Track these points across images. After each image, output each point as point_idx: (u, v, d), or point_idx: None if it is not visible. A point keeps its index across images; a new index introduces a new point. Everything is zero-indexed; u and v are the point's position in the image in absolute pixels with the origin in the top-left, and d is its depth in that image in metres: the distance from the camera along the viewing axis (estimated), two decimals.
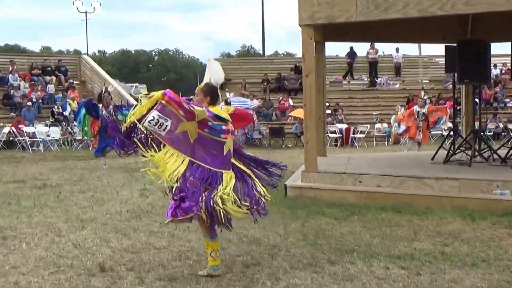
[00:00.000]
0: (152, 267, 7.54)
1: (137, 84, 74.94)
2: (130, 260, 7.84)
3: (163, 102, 6.57)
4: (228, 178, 6.86)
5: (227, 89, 32.21)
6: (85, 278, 7.14)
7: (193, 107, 6.61)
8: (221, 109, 7.16)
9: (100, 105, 18.37)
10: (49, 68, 34.94)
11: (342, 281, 6.92)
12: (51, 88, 32.64)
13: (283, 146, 27.98)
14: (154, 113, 6.54)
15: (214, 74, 7.47)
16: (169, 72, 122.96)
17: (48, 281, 7.01)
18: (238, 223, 9.86)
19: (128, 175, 16.50)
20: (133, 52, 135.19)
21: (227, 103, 22.20)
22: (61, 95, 31.79)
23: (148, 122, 6.55)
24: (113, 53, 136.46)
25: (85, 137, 21.38)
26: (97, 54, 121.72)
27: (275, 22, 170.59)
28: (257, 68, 38.32)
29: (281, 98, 32.80)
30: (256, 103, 30.71)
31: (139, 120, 6.62)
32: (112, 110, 7.97)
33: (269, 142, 28.79)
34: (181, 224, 9.82)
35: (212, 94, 7.25)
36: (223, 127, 6.86)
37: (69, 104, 30.55)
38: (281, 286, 6.80)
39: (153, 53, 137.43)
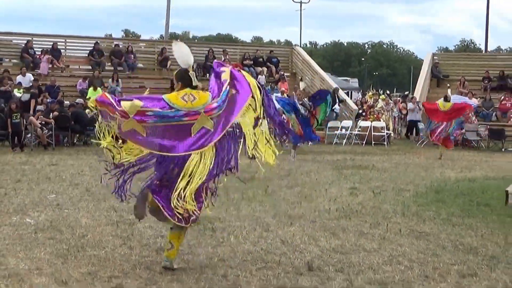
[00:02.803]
0: (361, 269, 7.43)
1: (348, 78, 74.66)
2: (338, 261, 7.76)
3: (98, 107, 6.83)
4: (195, 162, 6.85)
5: (448, 85, 31.33)
6: (293, 276, 7.16)
7: (121, 105, 6.67)
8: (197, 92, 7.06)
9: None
10: (261, 59, 35.08)
11: None
12: (262, 79, 32.79)
13: (503, 149, 26.65)
14: (99, 118, 6.93)
15: (180, 58, 7.22)
16: (381, 67, 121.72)
17: (256, 277, 7.09)
18: (454, 230, 9.59)
19: (337, 172, 16.44)
20: (345, 44, 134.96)
21: (447, 100, 21.55)
22: (269, 87, 31.83)
23: (99, 126, 6.96)
24: (325, 45, 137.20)
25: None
26: (308, 45, 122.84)
27: (501, 14, 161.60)
28: (478, 64, 36.79)
29: (503, 97, 31.25)
30: (475, 102, 29.58)
31: None
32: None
33: (487, 145, 27.61)
34: (391, 228, 9.76)
35: (181, 79, 7.20)
36: (181, 112, 6.81)
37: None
38: None
39: (366, 46, 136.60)
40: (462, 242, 8.79)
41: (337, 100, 26.44)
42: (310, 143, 21.78)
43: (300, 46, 49.74)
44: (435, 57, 36.39)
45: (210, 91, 7.13)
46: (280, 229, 9.49)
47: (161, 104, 6.85)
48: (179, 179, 6.80)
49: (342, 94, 30.82)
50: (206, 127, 6.93)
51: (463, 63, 37.41)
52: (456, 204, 11.77)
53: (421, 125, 27.73)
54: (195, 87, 7.10)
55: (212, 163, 6.94)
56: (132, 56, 31.79)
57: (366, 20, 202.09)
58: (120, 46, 33.37)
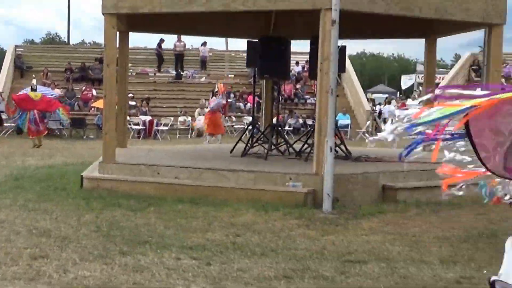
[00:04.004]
0: None
1: None
2: None
3: None
4: None
5: (33, 76, 31.32)
6: None
7: None
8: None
9: None
10: None
11: (132, 272, 6.91)
12: None
13: (85, 137, 27.49)
14: None
15: None
16: None
17: None
18: (29, 215, 9.66)
19: None
20: None
21: (33, 89, 21.82)
22: None
23: None
24: None
25: None
26: None
27: (84, 10, 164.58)
28: (62, 56, 37.34)
29: (84, 88, 32.22)
30: (58, 92, 30.00)
31: None
32: None
33: (70, 133, 28.20)
34: None
35: None
36: None
37: None
38: (69, 278, 6.69)
39: None
40: (36, 226, 8.89)
41: None
42: None
43: None
44: (18, 49, 36.08)
45: None
46: None
47: None
48: None
49: None
50: None
51: (50, 55, 37.68)
52: (34, 190, 11.86)
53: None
54: None
55: None
56: None
57: None
58: None
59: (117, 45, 13.81)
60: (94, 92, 31.86)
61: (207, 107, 24.44)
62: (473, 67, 32.44)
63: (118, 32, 13.42)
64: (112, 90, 12.95)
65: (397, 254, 8.09)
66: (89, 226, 9.07)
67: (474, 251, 8.25)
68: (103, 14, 12.65)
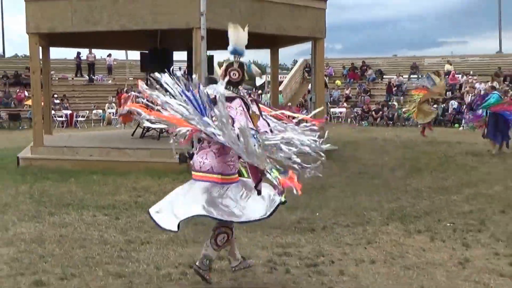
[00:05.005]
0: None
1: None
2: None
3: None
4: None
5: None
6: None
7: None
8: None
9: None
10: None
11: (58, 227, 6.73)
12: None
13: (20, 128, 26.32)
14: None
15: None
16: None
17: None
18: None
19: None
20: None
21: None
22: None
23: None
24: None
25: None
26: None
27: (15, 30, 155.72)
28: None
29: (18, 90, 30.73)
30: None
31: None
32: None
33: (8, 125, 27.07)
34: None
35: None
36: None
37: None
38: (9, 235, 6.44)
39: None
40: None
41: None
42: None
43: None
44: None
45: None
46: None
47: None
48: None
49: None
50: None
51: None
52: None
53: None
54: None
55: None
56: None
57: None
58: None
59: (40, 57, 13.27)
60: (26, 93, 30.36)
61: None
62: (306, 69, 33.06)
63: (40, 47, 12.90)
64: (38, 91, 12.52)
65: None
66: (25, 194, 8.73)
67: (308, 200, 8.48)
68: (27, 33, 12.15)
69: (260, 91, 33.29)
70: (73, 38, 14.15)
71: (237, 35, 4.68)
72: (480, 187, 9.44)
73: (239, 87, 4.66)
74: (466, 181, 10.01)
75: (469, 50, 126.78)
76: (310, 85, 17.49)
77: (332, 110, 29.15)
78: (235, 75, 4.58)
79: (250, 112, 4.55)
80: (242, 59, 4.68)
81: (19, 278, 5.01)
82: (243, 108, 4.47)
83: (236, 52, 4.66)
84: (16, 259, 5.53)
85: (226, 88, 4.47)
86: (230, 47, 4.67)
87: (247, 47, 4.77)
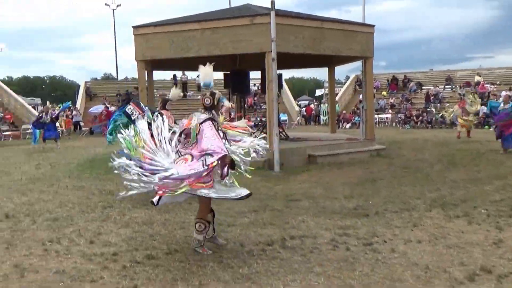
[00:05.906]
0: (42, 213, 6.99)
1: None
2: (27, 210, 7.19)
3: None
4: None
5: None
6: None
7: None
8: None
9: None
10: None
11: (163, 213, 6.76)
12: None
13: None
14: None
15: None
16: None
17: None
18: (101, 182, 9.47)
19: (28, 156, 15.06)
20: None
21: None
22: None
23: None
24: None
25: None
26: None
27: (125, 58, 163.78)
28: (113, 87, 36.22)
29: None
30: (102, 107, 29.10)
31: None
32: None
33: None
34: (62, 186, 9.26)
35: None
36: None
37: None
38: (126, 218, 6.57)
39: None
40: (104, 189, 8.76)
41: None
42: None
43: None
44: (87, 83, 35.45)
45: None
46: None
47: None
48: None
49: None
50: None
51: (107, 86, 36.96)
52: (102, 168, 11.44)
53: None
54: None
55: None
56: None
57: None
58: None
59: (146, 78, 13.65)
60: None
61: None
62: (357, 83, 32.52)
63: (146, 71, 13.28)
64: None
65: (318, 194, 8.17)
66: None
67: (362, 190, 8.36)
68: (136, 60, 12.54)
69: (317, 102, 33.00)
70: (171, 62, 14.49)
71: (204, 73, 5.13)
72: (509, 179, 8.97)
73: (212, 110, 5.01)
74: (496, 174, 9.54)
75: (495, 63, 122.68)
76: (361, 95, 17.15)
77: (379, 116, 28.55)
78: (208, 101, 4.97)
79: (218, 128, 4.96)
80: (212, 90, 5.05)
81: (134, 252, 5.16)
82: (211, 127, 4.84)
83: (205, 85, 5.09)
84: (132, 237, 5.70)
85: (199, 111, 4.99)
86: (201, 83, 5.21)
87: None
